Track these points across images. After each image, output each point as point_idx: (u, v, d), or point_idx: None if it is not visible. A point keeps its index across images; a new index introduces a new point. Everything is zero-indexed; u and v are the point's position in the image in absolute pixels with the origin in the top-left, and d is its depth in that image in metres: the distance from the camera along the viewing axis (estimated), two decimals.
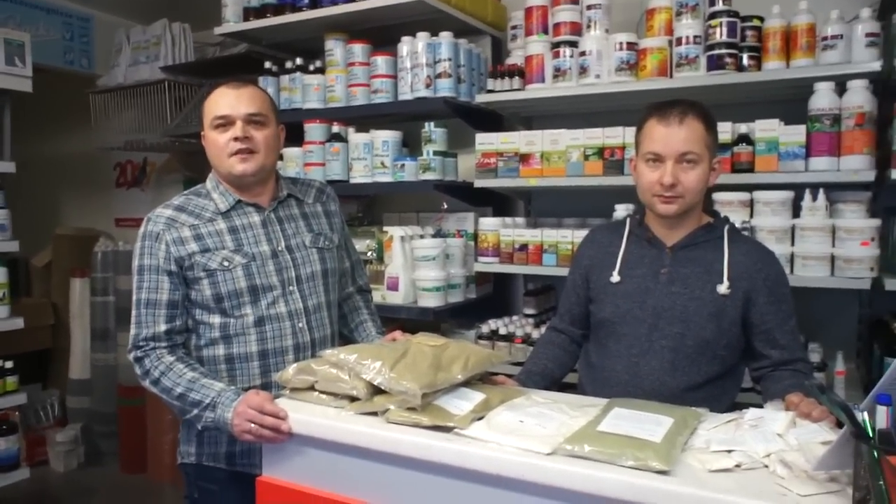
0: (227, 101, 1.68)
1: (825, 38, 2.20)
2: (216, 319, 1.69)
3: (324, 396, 1.46)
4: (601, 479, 1.11)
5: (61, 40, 4.18)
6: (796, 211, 2.24)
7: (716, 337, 1.64)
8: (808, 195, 2.21)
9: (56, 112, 4.72)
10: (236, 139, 1.67)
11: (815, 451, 1.12)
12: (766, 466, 1.13)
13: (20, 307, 3.62)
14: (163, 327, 1.65)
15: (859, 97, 2.13)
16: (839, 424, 1.21)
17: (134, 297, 1.68)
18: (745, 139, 2.29)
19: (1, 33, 3.23)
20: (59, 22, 4.16)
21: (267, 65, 3.27)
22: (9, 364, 3.34)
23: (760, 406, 1.44)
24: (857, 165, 2.13)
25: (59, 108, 4.64)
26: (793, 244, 2.21)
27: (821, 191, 2.19)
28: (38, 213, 4.83)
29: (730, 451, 1.16)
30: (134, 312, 1.67)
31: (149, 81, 3.95)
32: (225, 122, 1.68)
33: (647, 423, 1.24)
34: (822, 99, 2.18)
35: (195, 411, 1.56)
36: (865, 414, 0.99)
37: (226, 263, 1.67)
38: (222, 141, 1.68)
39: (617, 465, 1.12)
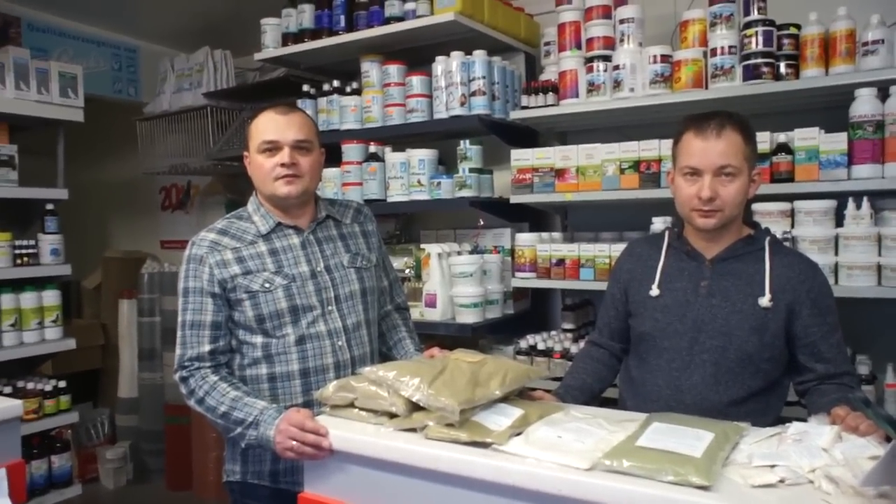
0: (275, 126, 1.72)
1: (866, 44, 2.17)
2: (258, 339, 1.73)
3: (363, 413, 1.47)
4: (640, 494, 1.09)
5: (110, 71, 4.35)
6: (839, 220, 2.19)
7: (758, 350, 1.61)
8: (851, 203, 2.16)
9: (104, 139, 4.87)
10: (283, 165, 1.71)
11: (862, 466, 1.09)
12: (811, 482, 1.10)
13: (72, 328, 3.75)
14: (207, 348, 1.70)
15: None
16: (888, 439, 1.18)
17: (179, 319, 1.73)
18: (784, 148, 2.26)
19: (56, 67, 3.39)
20: (108, 53, 4.33)
21: (305, 88, 3.34)
22: (62, 384, 3.46)
23: (805, 420, 1.41)
24: None
25: (107, 135, 4.78)
26: (836, 254, 2.16)
27: (865, 199, 2.14)
28: (89, 237, 4.98)
29: (773, 466, 1.14)
30: (179, 333, 1.72)
31: (192, 107, 4.07)
32: (272, 147, 1.72)
33: (686, 437, 1.22)
34: (864, 105, 2.14)
35: (238, 429, 1.59)
36: None
37: (267, 285, 1.71)
38: (268, 165, 1.72)
39: (656, 480, 1.11)
